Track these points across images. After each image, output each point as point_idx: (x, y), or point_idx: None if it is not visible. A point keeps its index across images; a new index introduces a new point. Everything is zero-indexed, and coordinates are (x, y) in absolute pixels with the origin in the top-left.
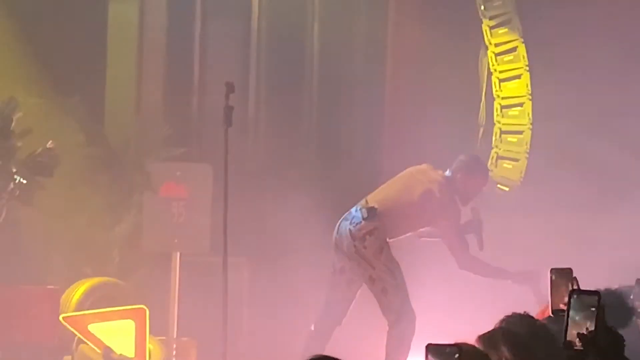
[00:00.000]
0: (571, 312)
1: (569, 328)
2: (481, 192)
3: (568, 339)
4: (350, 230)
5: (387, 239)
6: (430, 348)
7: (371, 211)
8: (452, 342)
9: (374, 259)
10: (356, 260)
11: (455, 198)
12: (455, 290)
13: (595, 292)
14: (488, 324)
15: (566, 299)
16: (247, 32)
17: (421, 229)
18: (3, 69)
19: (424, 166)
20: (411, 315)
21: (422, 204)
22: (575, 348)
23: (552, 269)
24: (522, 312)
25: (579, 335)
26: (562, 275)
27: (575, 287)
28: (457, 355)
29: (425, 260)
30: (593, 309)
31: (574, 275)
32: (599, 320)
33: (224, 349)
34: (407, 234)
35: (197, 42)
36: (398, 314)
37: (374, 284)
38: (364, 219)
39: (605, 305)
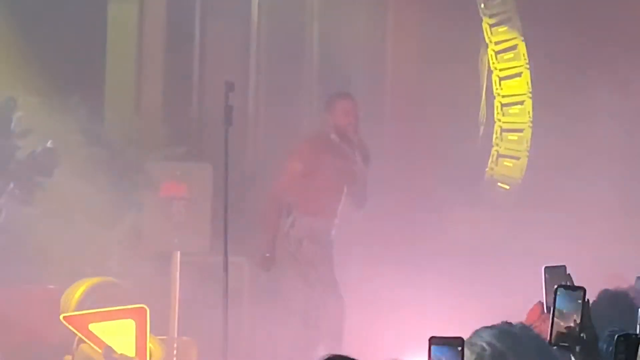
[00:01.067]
0: (557, 307)
1: (554, 324)
2: (355, 117)
3: (554, 335)
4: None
5: (311, 227)
6: (434, 340)
7: (288, 208)
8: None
9: (297, 253)
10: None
11: (327, 147)
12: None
13: (580, 288)
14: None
15: None
16: (246, 31)
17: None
18: (2, 68)
19: None
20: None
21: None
22: (562, 344)
23: (545, 267)
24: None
25: (566, 328)
26: (556, 273)
27: (570, 283)
28: (460, 348)
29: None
30: (579, 301)
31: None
32: (585, 315)
33: (224, 348)
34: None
35: (196, 41)
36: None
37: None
38: (286, 218)
39: (617, 309)
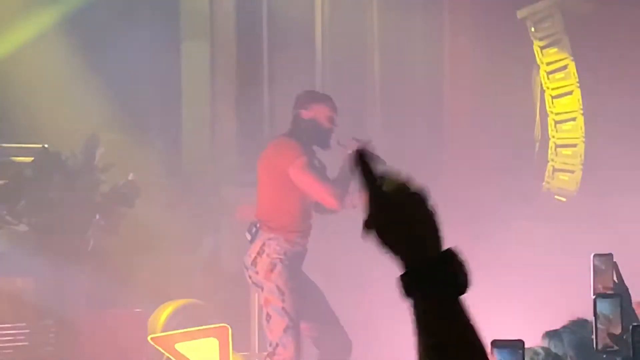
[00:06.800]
0: (601, 313)
1: (599, 330)
2: (332, 120)
3: (600, 341)
4: (244, 263)
5: (285, 250)
6: (497, 343)
7: (253, 229)
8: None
9: (265, 281)
10: (256, 290)
11: (293, 147)
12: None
13: (618, 295)
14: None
15: (607, 283)
16: (311, 67)
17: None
18: (85, 108)
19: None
20: (289, 347)
21: (271, 179)
22: (609, 349)
23: (594, 255)
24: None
25: (610, 335)
26: (604, 260)
27: (616, 271)
28: (521, 351)
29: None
30: (618, 310)
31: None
32: (625, 320)
33: None
34: (301, 223)
35: (265, 77)
36: (274, 346)
37: (262, 310)
38: (251, 242)
39: None
